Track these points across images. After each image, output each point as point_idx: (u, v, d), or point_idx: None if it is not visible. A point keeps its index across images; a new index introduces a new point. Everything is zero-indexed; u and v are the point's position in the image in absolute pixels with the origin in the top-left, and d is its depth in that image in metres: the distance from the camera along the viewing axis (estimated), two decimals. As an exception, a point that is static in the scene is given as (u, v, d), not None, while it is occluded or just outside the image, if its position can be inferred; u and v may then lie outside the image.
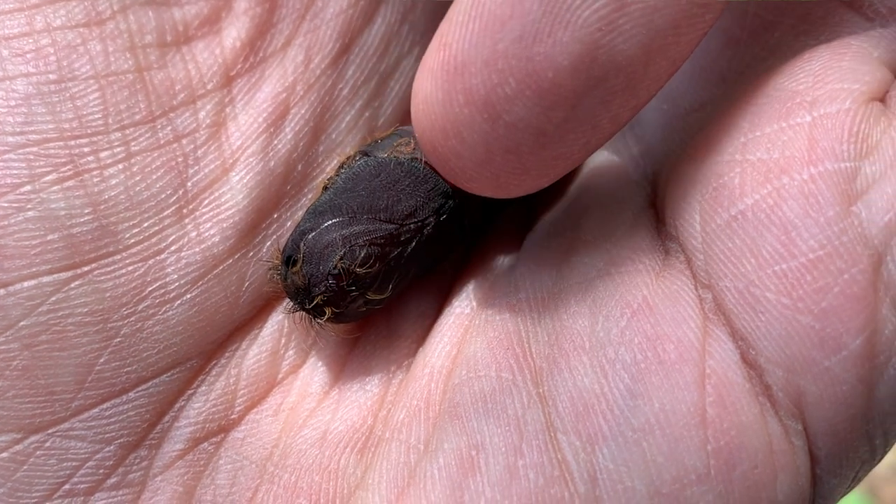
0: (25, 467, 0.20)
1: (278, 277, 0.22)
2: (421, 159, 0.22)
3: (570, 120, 0.17)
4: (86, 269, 0.20)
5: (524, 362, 0.20)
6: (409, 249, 0.21)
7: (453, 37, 0.17)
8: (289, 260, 0.21)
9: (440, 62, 0.17)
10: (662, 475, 0.18)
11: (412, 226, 0.21)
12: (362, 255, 0.21)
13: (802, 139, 0.18)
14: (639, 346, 0.18)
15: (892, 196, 0.17)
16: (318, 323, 0.21)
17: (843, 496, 0.20)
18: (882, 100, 0.18)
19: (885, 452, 0.19)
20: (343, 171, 0.22)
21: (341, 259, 0.21)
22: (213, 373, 0.22)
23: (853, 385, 0.17)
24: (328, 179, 0.22)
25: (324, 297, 0.21)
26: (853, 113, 0.18)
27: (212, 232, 0.21)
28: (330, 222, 0.21)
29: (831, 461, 0.18)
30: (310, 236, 0.21)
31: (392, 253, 0.21)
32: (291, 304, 0.22)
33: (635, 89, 0.17)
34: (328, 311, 0.21)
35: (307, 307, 0.21)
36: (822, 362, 0.17)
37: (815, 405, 0.18)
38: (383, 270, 0.21)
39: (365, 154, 0.22)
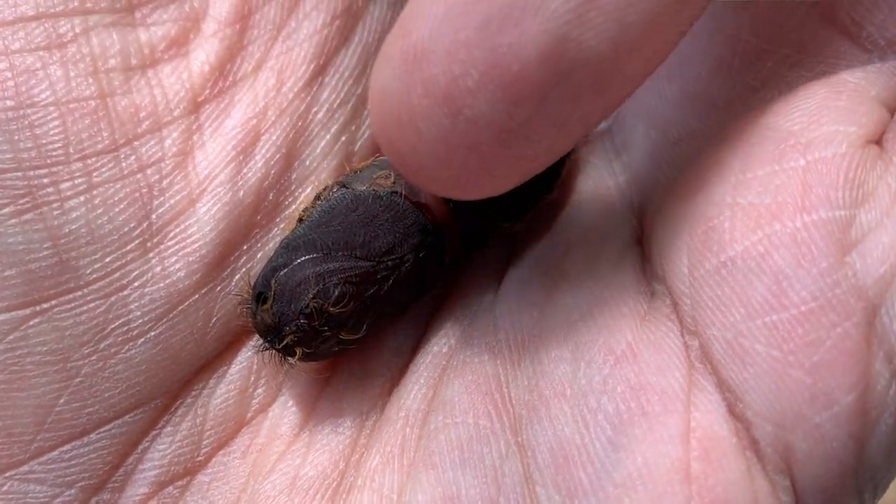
0: None
1: (248, 313, 0.21)
2: (401, 193, 0.21)
3: (535, 118, 0.16)
4: (45, 306, 0.19)
5: (503, 409, 0.19)
6: (385, 287, 0.20)
7: (414, 24, 0.16)
8: (259, 297, 0.20)
9: (399, 50, 0.16)
10: None
11: (390, 263, 0.20)
12: (336, 293, 0.20)
13: (796, 184, 0.17)
14: (621, 395, 0.18)
15: (887, 246, 0.16)
16: (288, 363, 0.21)
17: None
18: (878, 142, 0.18)
19: (874, 504, 0.18)
20: (319, 203, 0.21)
21: (314, 298, 0.20)
22: (179, 413, 0.21)
23: (844, 442, 0.17)
24: (303, 211, 0.21)
25: (294, 336, 0.20)
26: (849, 158, 0.17)
27: (177, 266, 0.20)
28: (303, 258, 0.20)
29: None
30: (281, 273, 0.20)
31: (368, 291, 0.20)
32: (261, 341, 0.21)
33: (605, 89, 0.16)
34: (299, 351, 0.20)
35: (277, 347, 0.20)
36: (813, 418, 0.17)
37: (804, 462, 0.17)
38: (358, 309, 0.20)
39: (343, 185, 0.21)
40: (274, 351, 0.21)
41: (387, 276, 0.20)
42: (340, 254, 0.20)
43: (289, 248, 0.20)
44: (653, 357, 0.18)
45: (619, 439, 0.17)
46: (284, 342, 0.20)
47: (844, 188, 0.17)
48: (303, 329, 0.20)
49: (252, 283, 0.21)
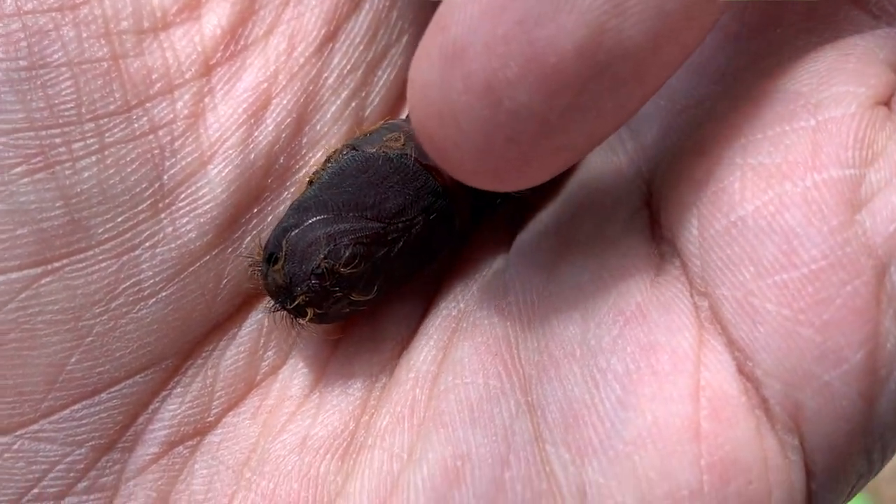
0: None
1: (259, 275, 0.21)
2: (411, 155, 0.21)
3: (574, 108, 0.16)
4: (57, 265, 0.20)
5: (513, 369, 0.19)
6: (396, 249, 0.21)
7: (452, 19, 0.16)
8: (270, 257, 0.20)
9: (438, 46, 0.16)
10: (654, 490, 0.17)
11: (400, 225, 0.21)
12: (347, 254, 0.20)
13: (806, 144, 0.17)
14: (631, 355, 0.18)
15: None
16: (299, 323, 0.21)
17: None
18: (887, 104, 0.18)
19: (882, 465, 0.19)
20: (329, 165, 0.21)
21: (325, 258, 0.20)
22: (189, 373, 0.21)
23: (853, 400, 0.17)
24: (314, 174, 0.21)
25: (306, 297, 0.20)
26: (858, 118, 0.17)
27: (189, 227, 0.20)
28: (314, 219, 0.20)
29: (828, 476, 0.18)
30: (293, 234, 0.20)
31: (378, 252, 0.20)
32: (272, 302, 0.21)
33: (643, 77, 0.17)
34: (310, 311, 0.20)
35: (288, 307, 0.20)
36: (822, 376, 0.17)
37: (813, 420, 0.17)
38: (369, 271, 0.20)
39: (353, 148, 0.21)
40: (285, 312, 0.21)
41: (397, 237, 0.20)
42: (351, 215, 0.20)
43: (300, 209, 0.21)
44: (662, 318, 0.18)
45: (629, 398, 0.18)
46: (296, 302, 0.20)
47: (854, 148, 0.17)
48: (314, 289, 0.20)
49: (263, 245, 0.21)
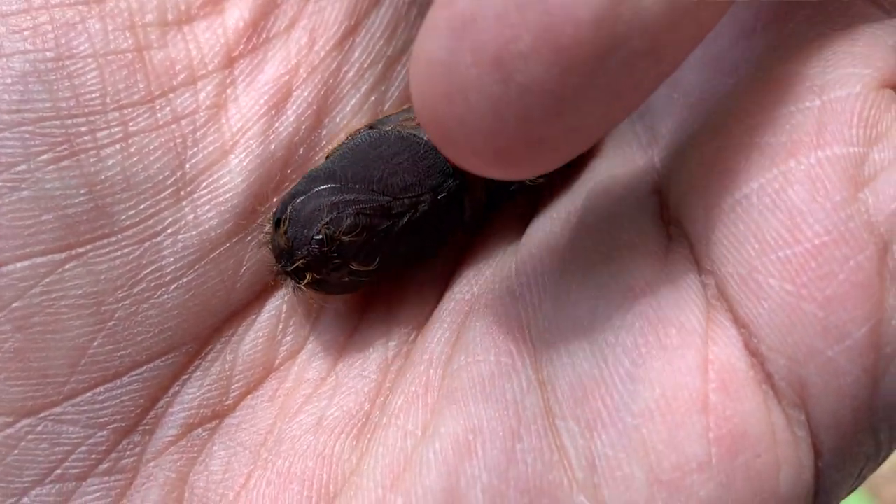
0: (16, 451, 0.20)
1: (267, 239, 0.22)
2: (424, 135, 0.21)
3: (589, 85, 0.15)
4: (81, 250, 0.20)
5: (524, 347, 0.19)
6: (400, 224, 0.21)
7: None
8: (277, 222, 0.21)
9: (445, 18, 0.15)
10: (662, 462, 0.17)
11: (406, 201, 0.21)
12: (349, 222, 0.21)
13: (811, 123, 0.17)
14: (640, 330, 0.18)
15: None
16: (299, 288, 0.21)
17: (847, 494, 0.19)
18: (894, 87, 0.18)
19: (890, 449, 0.19)
20: (345, 141, 0.22)
21: (326, 225, 0.21)
22: (209, 358, 0.21)
23: (857, 376, 0.17)
24: (331, 151, 0.22)
25: (305, 260, 0.21)
26: (863, 98, 0.17)
27: (209, 215, 0.21)
28: (321, 188, 0.21)
29: (835, 455, 0.18)
30: (298, 200, 0.21)
31: (381, 225, 0.21)
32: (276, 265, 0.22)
33: (660, 54, 0.16)
34: (309, 276, 0.21)
35: (288, 269, 0.21)
36: (826, 352, 0.17)
37: (818, 396, 0.17)
38: (370, 242, 0.21)
39: (370, 127, 0.22)
40: (289, 278, 0.21)
41: (402, 213, 0.21)
42: (358, 186, 0.21)
43: (310, 178, 0.21)
44: (671, 295, 0.18)
45: (638, 372, 0.18)
46: (295, 265, 0.21)
47: (858, 126, 0.17)
48: (313, 254, 0.21)
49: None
